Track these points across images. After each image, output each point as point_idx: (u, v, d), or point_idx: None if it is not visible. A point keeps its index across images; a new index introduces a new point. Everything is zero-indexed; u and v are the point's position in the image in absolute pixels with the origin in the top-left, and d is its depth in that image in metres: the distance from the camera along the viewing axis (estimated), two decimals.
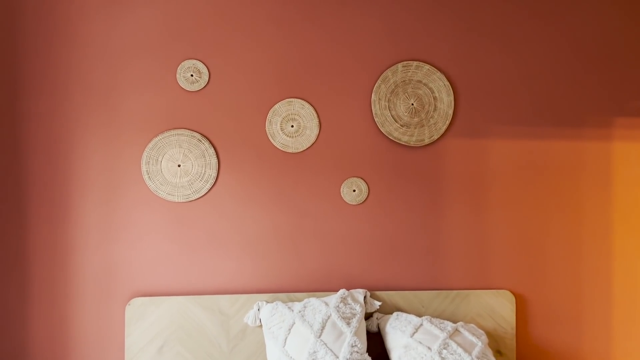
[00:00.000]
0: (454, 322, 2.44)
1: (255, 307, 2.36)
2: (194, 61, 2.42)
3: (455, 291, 2.51)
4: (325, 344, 2.14)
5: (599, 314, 2.60)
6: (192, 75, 2.42)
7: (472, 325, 2.38)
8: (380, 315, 2.43)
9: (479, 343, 2.20)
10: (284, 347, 2.17)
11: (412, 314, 2.42)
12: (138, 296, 2.40)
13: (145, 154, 2.40)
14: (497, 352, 2.49)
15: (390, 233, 2.53)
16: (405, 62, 2.52)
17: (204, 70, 2.43)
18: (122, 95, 2.41)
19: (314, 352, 2.12)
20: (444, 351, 2.11)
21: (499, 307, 2.51)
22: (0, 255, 2.35)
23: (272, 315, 2.29)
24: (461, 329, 2.27)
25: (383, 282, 2.53)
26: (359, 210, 2.52)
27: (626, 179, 2.62)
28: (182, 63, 2.42)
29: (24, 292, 2.36)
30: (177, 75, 2.42)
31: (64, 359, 2.38)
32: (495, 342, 2.49)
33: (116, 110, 2.41)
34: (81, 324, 2.39)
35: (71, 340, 2.38)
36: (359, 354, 2.14)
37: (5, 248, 2.36)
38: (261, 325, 2.36)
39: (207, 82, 2.44)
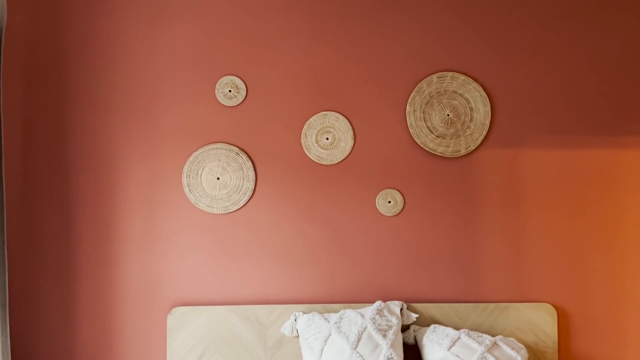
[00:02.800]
0: (493, 335, 2.41)
1: (292, 318, 2.39)
2: (232, 77, 2.49)
3: (493, 304, 2.48)
4: (361, 355, 2.15)
5: None
6: (230, 91, 2.49)
7: (512, 339, 2.34)
8: (417, 327, 2.42)
9: (518, 357, 2.16)
10: (320, 358, 2.19)
11: (449, 326, 2.40)
12: (179, 306, 2.47)
13: (186, 167, 2.48)
14: None
15: (426, 244, 2.52)
16: (440, 73, 2.52)
17: (242, 85, 2.49)
18: (163, 110, 2.50)
19: None
20: None
21: (539, 320, 2.46)
22: (47, 267, 2.47)
23: (308, 326, 2.31)
24: (500, 343, 2.24)
25: (419, 294, 2.52)
26: (394, 221, 2.52)
27: None
28: (221, 79, 2.49)
29: (70, 302, 2.47)
30: (216, 91, 2.49)
31: None
32: (535, 356, 2.44)
33: (157, 125, 2.50)
34: (124, 333, 2.47)
35: (115, 349, 2.47)
36: None
37: (52, 260, 2.47)
38: (298, 336, 2.39)
39: (245, 97, 2.51)
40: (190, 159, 2.48)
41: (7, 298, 2.26)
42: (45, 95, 2.49)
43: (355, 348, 2.17)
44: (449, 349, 2.19)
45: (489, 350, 2.17)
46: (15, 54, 2.48)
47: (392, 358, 2.15)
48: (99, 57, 2.50)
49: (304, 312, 2.41)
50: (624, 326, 2.52)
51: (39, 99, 2.49)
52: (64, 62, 2.49)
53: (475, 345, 2.19)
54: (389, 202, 2.52)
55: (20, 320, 2.46)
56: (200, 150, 2.48)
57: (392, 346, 2.20)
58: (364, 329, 2.23)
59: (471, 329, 2.42)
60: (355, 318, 2.28)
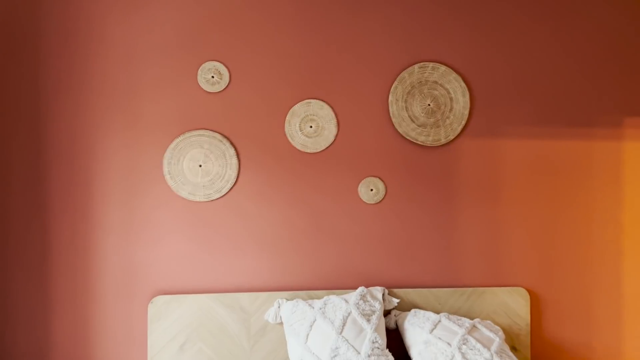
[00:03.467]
0: (470, 318, 2.49)
1: (276, 305, 2.40)
2: (215, 63, 2.46)
3: (470, 288, 2.56)
4: (346, 340, 2.18)
5: (609, 311, 2.65)
6: (212, 77, 2.46)
7: (489, 321, 2.43)
8: (397, 312, 2.48)
9: (496, 339, 2.24)
10: (305, 343, 2.22)
11: (429, 311, 2.46)
12: (160, 294, 2.44)
13: (167, 154, 2.44)
14: (512, 348, 2.54)
15: (406, 231, 2.57)
16: (421, 63, 2.57)
17: (225, 71, 2.47)
18: (144, 96, 2.45)
19: (336, 348, 2.16)
20: (464, 347, 2.16)
21: (514, 304, 2.56)
22: (23, 255, 2.39)
23: (292, 313, 2.33)
24: (478, 325, 2.32)
25: (400, 280, 2.57)
26: (376, 209, 2.56)
27: (636, 178, 2.67)
28: (203, 65, 2.46)
29: (47, 291, 2.40)
30: (198, 77, 2.46)
31: (87, 356, 2.41)
32: (510, 338, 2.54)
33: (138, 111, 2.44)
34: (104, 322, 2.42)
35: (94, 339, 2.42)
36: (379, 350, 2.19)
37: (28, 249, 2.39)
38: (282, 323, 2.40)
39: (228, 84, 2.48)
40: (172, 145, 2.44)
41: None
42: (21, 80, 2.39)
43: (341, 332, 2.20)
44: (430, 332, 2.25)
45: (469, 332, 2.24)
46: None
47: (376, 342, 2.20)
48: (77, 41, 2.42)
49: (287, 299, 2.43)
50: (591, 309, 2.65)
51: (14, 84, 2.39)
52: (42, 47, 2.40)
53: (455, 328, 2.26)
54: (371, 190, 2.55)
55: None
56: (182, 137, 2.45)
57: (376, 330, 2.24)
58: (349, 314, 2.27)
59: (450, 313, 2.49)
60: (340, 304, 2.31)
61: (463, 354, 2.12)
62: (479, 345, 2.16)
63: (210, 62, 2.46)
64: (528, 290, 2.60)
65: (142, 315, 2.43)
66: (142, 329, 2.43)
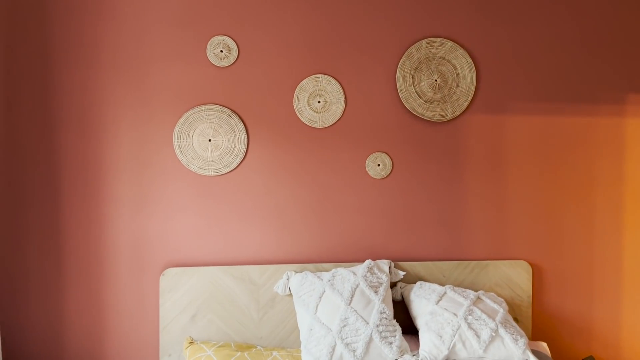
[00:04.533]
0: (474, 290, 2.55)
1: (285, 277, 2.45)
2: (224, 37, 2.46)
3: (474, 261, 2.62)
4: (355, 310, 2.24)
5: (609, 283, 2.73)
6: (221, 51, 2.46)
7: (492, 293, 2.49)
8: (403, 284, 2.53)
9: (500, 310, 2.31)
10: (315, 314, 2.27)
11: (434, 283, 2.52)
12: (171, 267, 2.48)
13: (177, 128, 2.45)
14: (514, 319, 2.61)
15: (413, 206, 2.62)
16: (429, 39, 2.57)
17: (234, 46, 2.47)
18: (153, 70, 2.45)
19: (345, 318, 2.22)
20: (469, 317, 2.22)
21: (516, 276, 2.62)
22: (36, 228, 2.41)
23: (302, 285, 2.38)
24: (483, 297, 2.38)
25: (406, 253, 2.62)
26: (383, 184, 2.60)
27: (638, 154, 2.72)
28: (212, 39, 2.45)
29: (60, 264, 2.43)
30: (207, 51, 2.46)
31: (100, 327, 2.47)
32: (512, 310, 2.61)
33: (147, 86, 2.45)
34: (116, 294, 2.47)
35: (107, 310, 2.47)
36: (387, 320, 2.25)
37: (41, 221, 2.42)
38: (290, 294, 2.46)
39: (237, 58, 2.48)
40: (181, 120, 2.46)
41: None
42: (30, 54, 2.38)
43: (350, 303, 2.26)
44: (436, 303, 2.31)
45: (474, 303, 2.30)
46: None
47: (384, 312, 2.25)
48: (86, 14, 2.40)
49: (296, 272, 2.47)
50: (592, 281, 2.72)
51: (23, 57, 2.38)
52: (50, 20, 2.38)
53: (461, 299, 2.32)
54: (378, 165, 2.59)
55: (9, 284, 2.40)
56: (191, 112, 2.46)
57: (383, 301, 2.30)
58: (357, 285, 2.32)
59: (454, 285, 2.55)
60: (348, 276, 2.36)
61: (469, 324, 2.19)
62: (484, 316, 2.22)
63: (219, 36, 2.46)
64: (530, 263, 2.66)
65: (154, 287, 2.48)
66: (154, 301, 2.48)
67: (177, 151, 2.46)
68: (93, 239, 2.45)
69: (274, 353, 2.33)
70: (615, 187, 2.72)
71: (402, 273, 2.51)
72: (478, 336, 2.15)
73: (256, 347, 2.39)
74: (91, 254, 2.45)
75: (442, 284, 2.55)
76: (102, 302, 2.46)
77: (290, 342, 2.48)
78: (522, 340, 2.16)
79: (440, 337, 2.17)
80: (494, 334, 2.16)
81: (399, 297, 2.51)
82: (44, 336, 2.44)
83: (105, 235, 2.45)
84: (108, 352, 2.47)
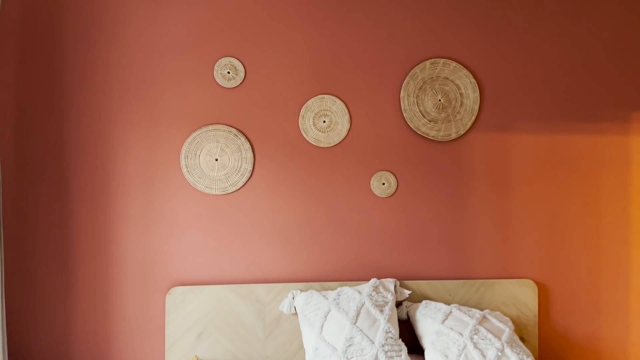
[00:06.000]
0: (480, 310, 2.54)
1: (290, 296, 2.45)
2: (231, 59, 2.51)
3: (480, 280, 2.61)
4: (361, 330, 2.24)
5: (617, 302, 2.71)
6: (228, 73, 2.50)
7: (498, 312, 2.48)
8: (409, 303, 2.53)
9: (506, 329, 2.30)
10: (320, 333, 2.27)
11: (440, 302, 2.51)
12: (178, 285, 2.49)
13: (184, 148, 2.49)
14: (521, 339, 2.59)
15: (418, 224, 2.62)
16: (433, 60, 2.61)
17: (240, 67, 2.51)
18: (161, 91, 2.50)
19: (351, 337, 2.21)
20: (475, 336, 2.21)
21: (522, 295, 2.61)
22: (44, 247, 2.44)
23: (307, 303, 2.38)
24: (489, 316, 2.37)
25: (411, 272, 2.62)
26: (388, 202, 2.61)
27: None
28: (219, 60, 2.50)
29: (68, 282, 2.45)
30: (215, 73, 2.50)
31: (106, 346, 2.47)
32: (518, 329, 2.59)
33: (155, 106, 2.49)
34: (123, 312, 2.48)
35: (113, 328, 2.48)
36: (393, 340, 2.24)
37: (49, 241, 2.44)
38: (296, 313, 2.46)
39: (243, 79, 2.53)
40: (189, 140, 2.49)
41: (3, 279, 2.22)
42: (40, 75, 2.44)
43: (355, 323, 2.26)
44: (442, 323, 2.30)
45: (480, 322, 2.30)
46: (9, 33, 2.41)
47: (390, 332, 2.25)
48: (96, 37, 2.46)
49: (302, 290, 2.48)
50: (599, 301, 2.71)
51: (34, 78, 2.44)
52: (60, 42, 2.44)
53: (466, 318, 2.32)
54: (383, 183, 2.60)
55: (17, 301, 2.43)
56: (198, 132, 2.49)
57: (389, 321, 2.29)
58: (362, 304, 2.32)
59: (460, 304, 2.54)
60: (353, 295, 2.36)
61: (475, 344, 2.18)
62: (490, 335, 2.21)
63: (226, 58, 2.51)
64: (536, 282, 2.65)
65: (159, 306, 2.49)
66: (160, 320, 2.49)
67: (185, 170, 2.49)
68: (100, 257, 2.47)
69: None
70: (621, 205, 2.72)
71: (407, 292, 2.51)
72: (484, 356, 2.14)
73: None
74: (98, 272, 2.47)
75: (448, 303, 2.54)
76: (109, 320, 2.47)
77: None
78: None
79: (446, 357, 2.16)
80: (500, 354, 2.15)
81: (404, 317, 2.50)
82: (51, 354, 2.45)
83: (112, 253, 2.47)
84: None
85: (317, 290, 2.47)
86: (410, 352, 2.41)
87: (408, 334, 2.48)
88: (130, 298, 2.48)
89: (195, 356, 2.41)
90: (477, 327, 2.25)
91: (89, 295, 2.46)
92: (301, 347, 2.47)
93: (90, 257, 2.46)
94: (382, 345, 2.20)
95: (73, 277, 2.46)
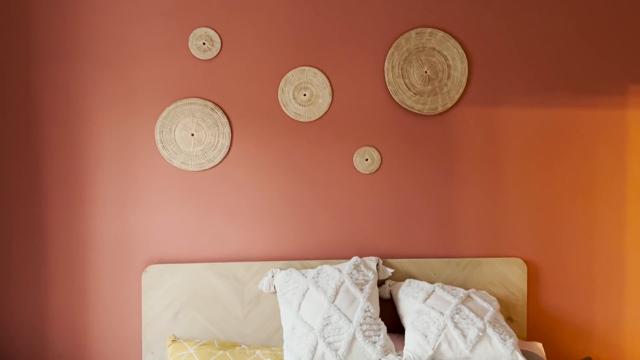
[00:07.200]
0: (466, 289, 2.46)
1: (269, 274, 2.40)
2: (206, 29, 2.41)
3: (467, 259, 2.53)
4: (339, 309, 2.18)
5: (611, 282, 2.62)
6: (204, 44, 2.41)
7: (484, 292, 2.40)
8: (392, 282, 2.46)
9: (490, 308, 2.22)
10: (298, 312, 2.21)
11: (424, 281, 2.44)
12: (154, 263, 2.44)
13: (159, 123, 2.41)
14: (508, 319, 2.52)
15: (402, 201, 2.54)
16: (419, 29, 2.49)
17: (216, 38, 2.42)
18: (134, 64, 2.41)
19: (328, 316, 2.15)
20: (457, 316, 2.14)
21: (511, 274, 2.53)
22: (19, 224, 2.40)
23: (286, 282, 2.32)
24: (473, 295, 2.30)
25: (395, 250, 2.55)
26: (371, 179, 2.53)
27: None
28: (194, 31, 2.41)
29: (43, 260, 2.41)
30: (189, 44, 2.41)
31: (82, 324, 2.44)
32: (506, 309, 2.52)
33: (128, 80, 2.41)
34: (99, 291, 2.44)
35: (89, 307, 2.44)
36: (372, 319, 2.18)
37: (22, 218, 2.40)
38: (275, 292, 2.40)
39: (219, 51, 2.43)
40: (164, 114, 2.42)
41: None
42: (11, 46, 2.36)
43: (333, 302, 2.19)
44: (424, 302, 2.23)
45: (463, 302, 2.22)
46: None
47: (368, 310, 2.19)
48: (68, 7, 2.37)
49: (282, 269, 2.42)
50: (592, 280, 2.61)
51: (4, 50, 2.36)
52: (31, 13, 2.36)
53: (449, 297, 2.24)
54: (367, 159, 2.51)
55: None
56: (173, 105, 2.41)
57: (368, 299, 2.23)
58: (342, 283, 2.25)
59: (445, 284, 2.46)
60: (333, 273, 2.30)
61: (455, 323, 2.11)
62: (472, 315, 2.14)
63: (201, 28, 2.41)
64: (526, 261, 2.57)
65: (136, 284, 2.44)
66: (137, 298, 2.44)
67: (160, 146, 2.42)
68: (75, 235, 2.42)
69: (257, 352, 2.27)
70: (617, 182, 2.61)
71: (390, 270, 2.44)
72: (465, 336, 2.07)
73: (240, 346, 2.34)
74: (74, 250, 2.42)
75: (433, 282, 2.46)
76: (85, 298, 2.44)
77: (275, 340, 2.42)
78: (511, 341, 2.07)
79: (426, 336, 2.09)
80: (481, 334, 2.08)
81: (387, 295, 2.43)
82: (27, 332, 2.42)
83: (87, 231, 2.42)
84: (91, 348, 2.44)
85: (298, 269, 2.40)
86: (392, 331, 2.34)
87: (393, 313, 2.41)
88: (107, 276, 2.44)
89: (173, 335, 2.36)
90: (460, 306, 2.18)
91: (64, 273, 2.42)
92: (281, 327, 2.41)
93: (65, 234, 2.41)
94: (360, 325, 2.13)
95: (48, 255, 2.41)
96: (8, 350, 2.41)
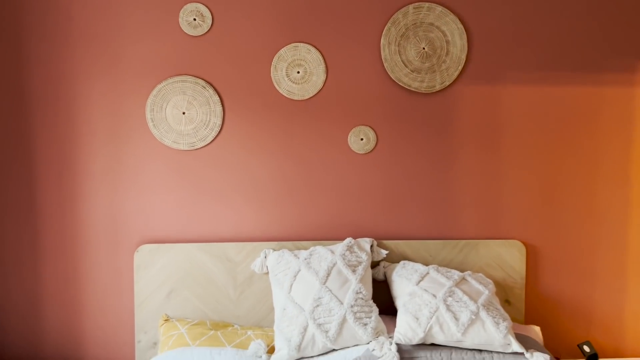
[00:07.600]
0: (462, 271, 2.41)
1: (262, 255, 2.37)
2: (197, 4, 2.35)
3: (464, 241, 2.48)
4: (330, 290, 2.15)
5: (613, 264, 2.55)
6: (195, 19, 2.35)
7: (480, 274, 2.35)
8: (386, 263, 2.42)
9: (485, 291, 2.17)
10: (289, 293, 2.19)
11: (420, 263, 2.39)
12: (146, 243, 2.43)
13: (149, 101, 2.37)
14: (506, 302, 2.47)
15: (398, 182, 2.49)
16: (416, 4, 2.41)
17: (207, 13, 2.35)
18: (124, 41, 2.36)
19: (319, 298, 2.13)
20: (449, 299, 2.09)
21: (509, 257, 2.48)
22: (10, 205, 2.39)
23: (278, 263, 2.29)
24: (468, 278, 2.25)
25: (391, 231, 2.51)
26: (366, 159, 2.47)
27: None
28: (185, 6, 2.35)
29: (35, 240, 2.41)
30: (180, 20, 2.35)
31: (75, 304, 2.44)
32: (504, 291, 2.47)
33: (118, 57, 2.37)
34: (91, 270, 2.43)
35: (82, 287, 2.44)
36: (363, 300, 2.15)
37: (14, 198, 2.39)
38: (268, 273, 2.38)
39: (211, 27, 2.37)
40: (154, 92, 2.37)
41: None
42: (0, 25, 2.33)
43: (325, 283, 2.16)
44: (417, 284, 2.19)
45: (457, 284, 2.18)
46: None
47: (360, 292, 2.15)
48: None
49: (274, 250, 2.39)
50: (593, 263, 2.55)
51: None
52: None
53: (443, 280, 2.20)
54: (362, 139, 2.46)
55: None
56: (164, 83, 2.37)
57: (361, 281, 2.19)
58: (334, 264, 2.22)
59: (441, 266, 2.42)
60: (325, 254, 2.26)
61: (448, 306, 2.06)
62: (465, 298, 2.09)
63: (191, 3, 2.35)
64: (525, 243, 2.51)
65: (128, 264, 2.43)
66: (129, 277, 2.43)
67: (151, 124, 2.39)
68: (68, 214, 2.41)
69: (249, 332, 2.27)
70: (621, 162, 2.53)
71: (384, 252, 2.40)
72: (457, 319, 2.03)
73: (232, 326, 2.34)
74: (66, 230, 2.41)
75: (428, 264, 2.41)
76: (78, 278, 2.43)
77: (268, 321, 2.40)
78: (504, 325, 2.02)
79: (417, 319, 2.05)
80: (474, 317, 2.03)
81: (381, 277, 2.40)
82: (20, 311, 2.43)
83: (79, 210, 2.41)
84: (84, 327, 2.45)
85: (291, 250, 2.37)
86: (387, 313, 2.31)
87: (386, 295, 2.37)
88: (99, 256, 2.43)
89: (165, 314, 2.36)
90: (453, 288, 2.13)
91: (57, 252, 2.42)
92: (273, 307, 2.39)
93: (57, 214, 2.40)
94: (352, 306, 2.10)
95: (40, 235, 2.41)
96: (3, 327, 2.42)
